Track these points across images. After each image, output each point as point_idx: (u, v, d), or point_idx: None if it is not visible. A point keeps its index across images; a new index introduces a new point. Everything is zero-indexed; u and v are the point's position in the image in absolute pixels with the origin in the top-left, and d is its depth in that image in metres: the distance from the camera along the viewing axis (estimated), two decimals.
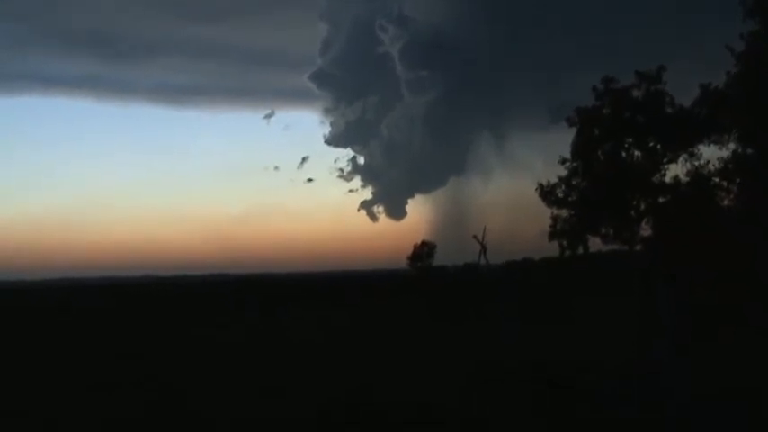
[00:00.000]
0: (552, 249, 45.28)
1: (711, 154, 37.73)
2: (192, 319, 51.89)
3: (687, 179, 39.31)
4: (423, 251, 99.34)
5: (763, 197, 31.33)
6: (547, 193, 43.95)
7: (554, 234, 44.16)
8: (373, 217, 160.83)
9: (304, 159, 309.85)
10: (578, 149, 42.81)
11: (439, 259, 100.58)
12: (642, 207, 41.46)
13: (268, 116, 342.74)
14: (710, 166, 37.90)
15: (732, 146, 33.85)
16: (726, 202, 36.50)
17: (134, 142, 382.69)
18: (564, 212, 43.88)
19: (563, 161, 43.17)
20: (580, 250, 44.45)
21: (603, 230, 42.51)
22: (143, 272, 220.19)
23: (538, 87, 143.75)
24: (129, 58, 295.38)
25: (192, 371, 22.78)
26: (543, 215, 44.34)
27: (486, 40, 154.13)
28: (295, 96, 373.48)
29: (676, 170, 40.19)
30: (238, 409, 16.32)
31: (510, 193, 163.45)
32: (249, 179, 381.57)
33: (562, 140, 43.58)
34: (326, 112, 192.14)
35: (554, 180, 43.53)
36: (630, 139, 41.81)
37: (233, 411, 16.22)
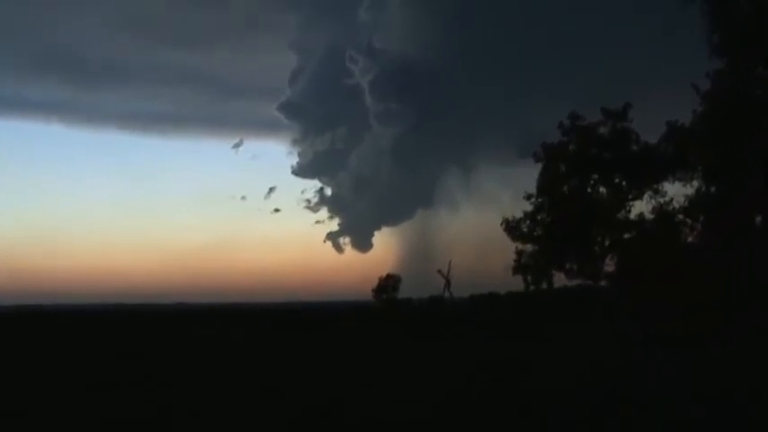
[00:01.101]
0: (518, 283, 44.78)
1: (676, 191, 37.59)
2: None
3: (652, 216, 39.09)
4: (388, 284, 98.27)
5: (727, 234, 31.03)
6: (512, 227, 43.59)
7: (518, 268, 43.70)
8: (339, 248, 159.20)
9: (271, 189, 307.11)
10: (544, 185, 42.55)
11: (404, 292, 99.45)
12: (607, 243, 41.23)
13: (236, 145, 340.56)
14: (675, 204, 37.73)
15: (696, 183, 33.58)
16: (690, 239, 36.20)
17: (102, 168, 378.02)
18: (529, 247, 43.48)
19: (528, 196, 42.83)
20: (544, 285, 44.01)
21: (568, 265, 42.12)
22: (106, 299, 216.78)
23: (506, 121, 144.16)
24: (98, 84, 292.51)
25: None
26: (509, 249, 43.89)
27: (456, 73, 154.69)
28: (264, 126, 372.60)
29: (641, 207, 40.02)
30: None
31: (476, 226, 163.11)
32: (216, 208, 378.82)
33: (530, 175, 43.33)
34: (294, 142, 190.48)
35: (520, 215, 43.15)
36: (596, 176, 41.66)
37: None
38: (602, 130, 41.47)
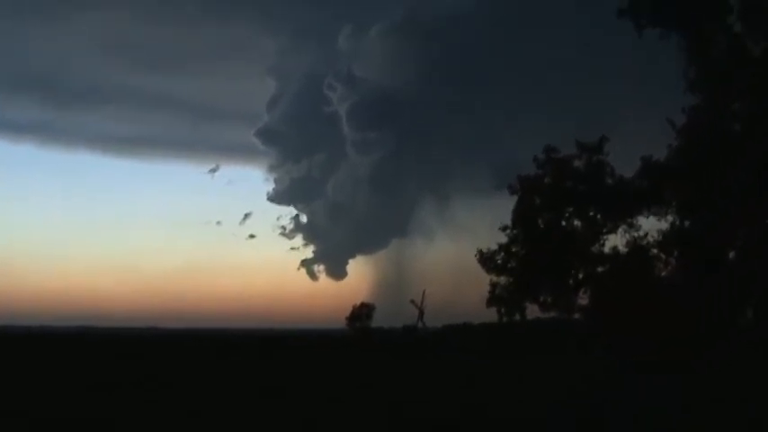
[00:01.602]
0: (492, 314, 44.33)
1: (651, 225, 37.44)
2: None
3: (626, 250, 38.85)
4: (362, 312, 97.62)
5: (701, 268, 30.91)
6: (486, 259, 43.19)
7: (492, 300, 43.27)
8: (313, 276, 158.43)
9: (247, 215, 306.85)
10: (519, 217, 42.29)
11: (378, 321, 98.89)
12: (581, 276, 40.91)
13: (213, 170, 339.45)
14: (649, 238, 37.54)
15: (671, 218, 33.44)
16: (664, 274, 36.02)
17: (75, 191, 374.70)
18: (503, 279, 43.09)
19: (503, 228, 42.52)
20: (518, 317, 43.62)
21: (542, 298, 41.74)
22: (77, 322, 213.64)
23: (483, 152, 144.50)
24: (74, 105, 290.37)
25: None
26: (484, 280, 43.46)
27: (433, 103, 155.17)
28: (240, 151, 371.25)
29: (615, 240, 39.77)
30: None
31: (451, 256, 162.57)
32: (190, 232, 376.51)
33: (505, 206, 43.04)
34: (271, 168, 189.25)
35: (495, 246, 42.79)
36: (571, 209, 41.40)
37: None
38: (578, 163, 41.28)
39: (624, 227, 39.42)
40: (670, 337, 31.60)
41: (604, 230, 40.44)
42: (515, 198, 42.33)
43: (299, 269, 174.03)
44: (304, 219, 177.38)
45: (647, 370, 29.94)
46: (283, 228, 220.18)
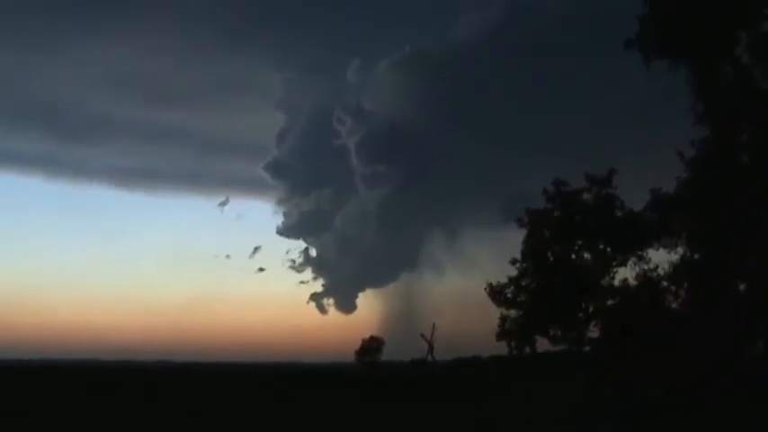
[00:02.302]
0: (502, 347, 44.17)
1: (660, 258, 37.31)
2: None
3: (636, 282, 38.71)
4: (371, 346, 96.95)
5: (711, 301, 30.67)
6: (496, 292, 43.18)
7: (502, 333, 43.15)
8: (323, 309, 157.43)
9: (256, 249, 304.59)
10: (528, 250, 42.29)
11: (387, 354, 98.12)
12: (591, 309, 40.77)
13: (222, 204, 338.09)
14: (659, 270, 37.42)
15: (681, 250, 33.28)
16: (674, 305, 35.80)
17: (84, 223, 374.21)
18: (512, 312, 42.99)
19: (513, 261, 42.50)
20: (528, 350, 43.43)
21: (552, 331, 41.60)
22: (86, 355, 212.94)
23: (492, 185, 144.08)
24: (82, 138, 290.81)
25: None
26: (494, 313, 43.38)
27: (443, 136, 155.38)
28: (249, 185, 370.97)
29: (625, 273, 39.67)
30: None
31: (461, 290, 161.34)
32: (200, 266, 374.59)
33: (515, 239, 43.06)
34: (280, 202, 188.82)
35: (504, 280, 42.76)
36: (580, 242, 41.44)
37: None
38: (587, 196, 41.36)
39: (634, 259, 39.46)
40: (679, 370, 31.34)
41: (614, 263, 40.45)
42: (524, 231, 42.39)
43: (308, 303, 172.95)
44: (313, 252, 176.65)
45: (656, 403, 29.61)
46: (293, 261, 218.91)
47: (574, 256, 41.97)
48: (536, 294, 42.07)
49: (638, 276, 38.92)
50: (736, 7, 25.56)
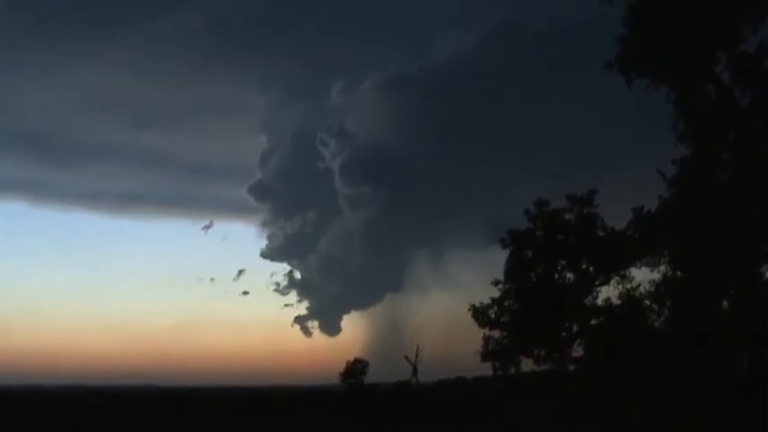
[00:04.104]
0: (486, 368, 43.94)
1: (643, 276, 37.22)
2: None
3: (619, 301, 38.56)
4: (356, 368, 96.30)
5: (693, 319, 30.55)
6: (479, 313, 42.95)
7: (486, 354, 42.89)
8: (307, 332, 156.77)
9: (240, 272, 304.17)
10: (511, 271, 42.12)
11: (372, 377, 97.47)
12: (574, 329, 40.55)
13: (206, 227, 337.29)
14: (642, 289, 37.29)
15: (663, 269, 33.18)
16: (657, 324, 35.66)
17: (68, 249, 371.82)
18: (496, 333, 42.76)
19: (496, 282, 42.32)
20: (512, 370, 43.13)
21: (536, 351, 41.33)
22: (71, 381, 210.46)
23: (476, 206, 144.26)
24: (66, 163, 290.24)
25: None
26: (478, 334, 43.12)
27: (426, 157, 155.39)
28: (234, 208, 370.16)
29: (608, 292, 39.51)
30: None
31: (445, 311, 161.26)
32: (184, 289, 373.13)
33: (500, 260, 42.90)
34: (264, 224, 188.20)
35: (488, 300, 42.51)
36: (563, 262, 41.28)
37: None
38: (568, 216, 41.27)
39: (617, 278, 39.29)
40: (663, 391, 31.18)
41: (597, 282, 40.26)
42: (507, 252, 42.21)
43: (292, 325, 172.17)
44: (298, 275, 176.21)
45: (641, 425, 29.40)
46: (277, 284, 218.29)
47: (557, 276, 41.72)
48: (519, 315, 41.84)
49: (620, 295, 38.69)
50: (714, 28, 25.56)
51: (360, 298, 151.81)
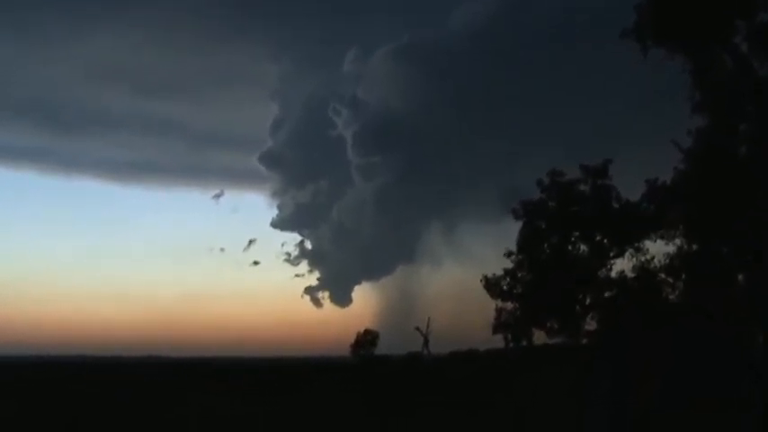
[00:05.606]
0: (499, 341, 44.20)
1: (657, 249, 37.26)
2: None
3: (633, 274, 38.67)
4: (366, 339, 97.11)
5: (708, 293, 30.71)
6: (492, 285, 43.07)
7: (498, 326, 43.13)
8: (317, 303, 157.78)
9: (251, 242, 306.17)
10: (524, 242, 42.20)
11: (382, 348, 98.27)
12: (588, 301, 40.73)
13: (217, 196, 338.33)
14: (656, 262, 37.34)
15: (678, 241, 33.26)
16: (672, 298, 35.80)
17: (77, 218, 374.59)
18: (509, 305, 42.95)
19: (509, 254, 42.43)
20: (524, 343, 43.41)
21: (548, 324, 41.55)
22: (80, 351, 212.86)
23: (490, 176, 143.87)
24: (75, 132, 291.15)
25: None
26: (490, 306, 43.33)
27: (440, 126, 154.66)
28: (244, 177, 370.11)
29: (622, 265, 39.59)
30: None
31: (458, 282, 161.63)
32: (194, 260, 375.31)
33: (512, 231, 42.93)
34: (275, 194, 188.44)
35: (500, 272, 42.65)
36: (576, 233, 41.30)
37: None
38: (583, 187, 41.24)
39: (631, 251, 39.32)
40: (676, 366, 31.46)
41: (611, 255, 40.32)
42: (520, 223, 42.31)
43: (303, 296, 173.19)
44: (309, 245, 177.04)
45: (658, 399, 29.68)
46: (288, 254, 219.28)
47: (570, 248, 41.77)
48: (532, 286, 41.99)
49: (634, 268, 38.78)
50: None
51: (371, 269, 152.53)
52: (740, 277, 30.02)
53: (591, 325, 40.42)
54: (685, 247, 32.83)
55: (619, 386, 36.17)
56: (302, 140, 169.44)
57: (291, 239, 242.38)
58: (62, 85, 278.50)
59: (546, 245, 42.10)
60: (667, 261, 35.25)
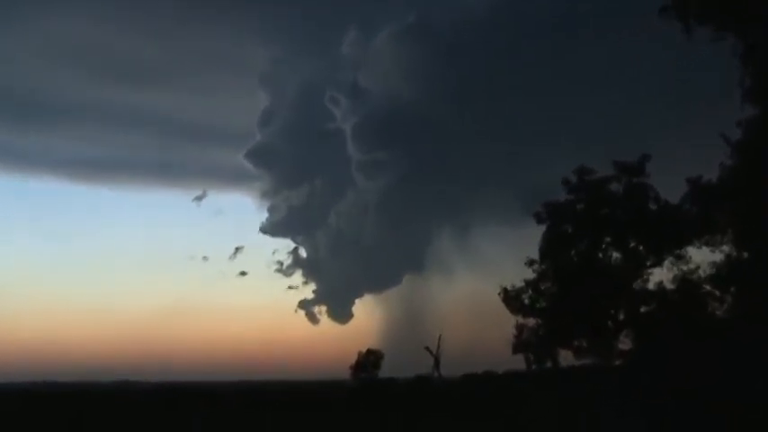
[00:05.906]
0: (518, 361, 43.94)
1: (702, 257, 37.04)
2: None
3: (673, 286, 38.45)
4: (368, 360, 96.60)
5: (762, 308, 30.38)
6: (511, 298, 42.79)
7: (519, 346, 42.86)
8: (313, 318, 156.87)
9: (237, 249, 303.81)
10: (548, 249, 41.93)
11: (386, 370, 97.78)
12: (621, 317, 40.49)
13: (198, 198, 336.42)
14: (701, 272, 37.14)
15: (726, 248, 33.03)
16: (718, 313, 35.59)
17: (37, 223, 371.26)
18: (531, 321, 42.71)
19: (530, 262, 42.14)
20: (549, 364, 43.17)
21: (576, 342, 41.29)
22: (42, 377, 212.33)
23: (508, 175, 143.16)
24: (31, 125, 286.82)
25: None
26: (509, 322, 43.09)
27: (451, 118, 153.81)
28: (229, 176, 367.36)
29: (661, 275, 39.37)
30: None
31: (473, 295, 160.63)
32: (172, 270, 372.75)
33: (534, 236, 42.72)
34: (265, 195, 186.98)
35: (521, 283, 42.37)
36: (608, 239, 41.09)
37: None
38: (615, 186, 41.02)
39: (671, 259, 39.12)
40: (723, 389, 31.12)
41: (648, 264, 40.12)
42: (543, 228, 42.09)
43: (297, 311, 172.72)
44: (303, 253, 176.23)
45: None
46: (279, 263, 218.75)
47: (601, 256, 41.54)
48: (557, 300, 41.73)
49: (675, 279, 38.56)
50: None
51: (374, 280, 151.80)
52: None
53: (625, 344, 40.17)
54: (734, 254, 32.63)
55: (655, 413, 35.90)
56: (295, 134, 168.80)
57: (283, 247, 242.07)
58: (20, 73, 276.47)
59: (573, 252, 41.89)
60: (713, 271, 35.07)
